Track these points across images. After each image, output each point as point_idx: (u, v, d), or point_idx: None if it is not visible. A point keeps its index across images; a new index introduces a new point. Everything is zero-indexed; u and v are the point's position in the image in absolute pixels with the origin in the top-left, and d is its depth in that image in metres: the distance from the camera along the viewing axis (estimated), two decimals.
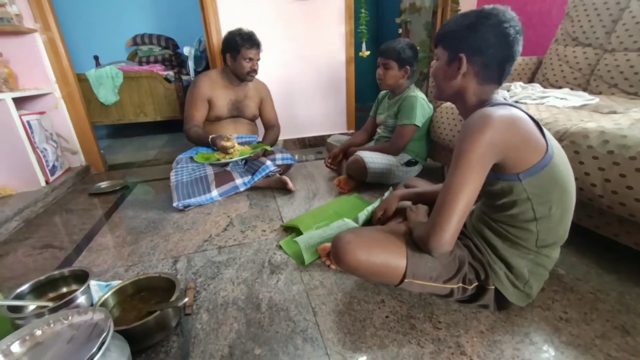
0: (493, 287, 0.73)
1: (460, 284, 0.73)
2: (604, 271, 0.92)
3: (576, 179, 0.90)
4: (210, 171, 1.53)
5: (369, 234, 0.78)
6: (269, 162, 1.57)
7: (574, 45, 1.56)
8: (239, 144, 1.68)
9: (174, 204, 1.38)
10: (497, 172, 0.66)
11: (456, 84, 0.73)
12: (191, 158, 1.60)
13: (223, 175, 1.53)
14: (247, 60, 1.63)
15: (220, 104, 1.70)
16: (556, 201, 0.67)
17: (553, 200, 0.66)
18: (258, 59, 1.68)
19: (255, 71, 1.68)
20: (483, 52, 0.68)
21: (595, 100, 1.22)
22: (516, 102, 1.33)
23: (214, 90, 1.68)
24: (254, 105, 1.82)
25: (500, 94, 1.49)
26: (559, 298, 0.83)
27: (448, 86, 0.74)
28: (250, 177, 1.56)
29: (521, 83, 1.52)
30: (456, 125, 1.45)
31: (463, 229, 0.81)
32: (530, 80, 1.73)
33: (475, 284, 0.74)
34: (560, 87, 1.51)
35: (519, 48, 0.69)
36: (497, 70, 0.70)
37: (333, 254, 0.77)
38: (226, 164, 1.62)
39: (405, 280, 0.72)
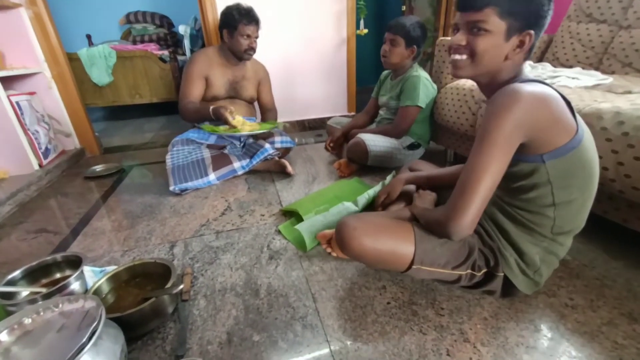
0: (502, 274, 0.71)
1: (469, 271, 0.71)
2: (610, 257, 0.90)
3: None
4: (207, 154, 1.49)
5: (375, 220, 0.75)
6: (267, 145, 1.52)
7: (588, 21, 1.48)
8: (239, 136, 1.63)
9: (171, 188, 1.34)
10: (521, 152, 0.61)
11: (507, 62, 0.64)
12: (187, 139, 1.54)
13: (220, 158, 1.49)
14: (245, 37, 1.54)
15: (217, 83, 1.63)
16: (579, 187, 0.63)
17: (576, 186, 0.63)
18: (256, 37, 1.59)
19: (253, 49, 1.60)
20: (543, 24, 0.62)
21: (608, 79, 1.17)
22: None
23: (211, 68, 1.61)
24: (252, 87, 1.76)
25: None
26: (564, 284, 0.81)
27: (496, 65, 0.65)
28: (248, 160, 1.51)
29: (530, 62, 1.45)
30: (461, 107, 1.39)
31: None
32: (540, 59, 1.65)
33: (484, 270, 0.71)
34: (571, 66, 1.44)
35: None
36: (535, 44, 0.64)
37: (338, 241, 0.74)
38: (224, 147, 1.58)
39: (414, 266, 0.69)
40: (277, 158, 1.54)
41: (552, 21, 1.97)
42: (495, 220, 0.73)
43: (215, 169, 1.45)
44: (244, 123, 1.52)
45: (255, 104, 1.88)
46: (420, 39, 1.41)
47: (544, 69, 1.34)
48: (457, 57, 0.66)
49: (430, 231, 0.71)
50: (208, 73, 1.60)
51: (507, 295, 0.75)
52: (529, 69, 1.40)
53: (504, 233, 0.71)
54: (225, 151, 1.55)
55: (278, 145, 1.62)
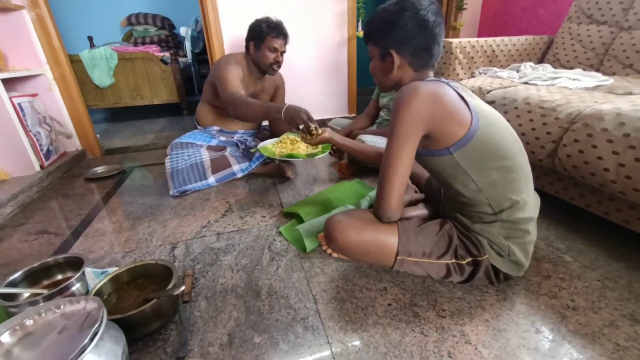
0: (486, 256, 0.74)
1: (454, 260, 0.75)
2: (612, 259, 0.90)
3: (587, 163, 0.87)
4: (206, 157, 1.48)
5: (361, 215, 0.81)
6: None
7: (588, 23, 1.48)
8: (246, 138, 1.60)
9: (170, 192, 1.35)
10: (429, 147, 0.70)
11: (394, 77, 0.76)
12: (186, 142, 1.53)
13: (220, 160, 1.49)
14: (272, 50, 1.50)
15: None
16: (494, 167, 0.68)
17: (490, 167, 0.68)
18: (283, 51, 1.55)
19: (278, 63, 1.55)
20: (409, 43, 0.72)
21: (609, 81, 1.17)
22: (526, 83, 1.28)
23: (242, 77, 1.54)
24: (267, 98, 1.74)
25: (507, 74, 1.44)
26: (565, 286, 0.81)
27: (387, 80, 0.78)
28: (247, 163, 1.51)
29: (531, 63, 1.45)
30: None
31: (443, 212, 0.86)
32: (540, 60, 1.66)
33: (469, 259, 0.75)
34: (571, 68, 1.45)
35: (442, 29, 0.73)
36: (426, 56, 0.73)
37: (325, 235, 0.81)
38: (223, 148, 1.58)
39: (398, 257, 0.74)
40: (277, 161, 1.54)
41: (553, 22, 1.99)
42: (454, 217, 0.80)
43: (214, 171, 1.45)
44: (295, 141, 1.33)
45: None
46: None
47: (545, 70, 1.34)
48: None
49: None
50: (241, 80, 1.54)
51: (507, 279, 0.80)
52: (530, 70, 1.40)
53: (465, 225, 0.77)
54: (225, 153, 1.55)
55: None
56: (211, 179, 1.43)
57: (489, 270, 0.75)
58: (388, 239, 0.75)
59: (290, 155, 1.24)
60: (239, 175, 1.50)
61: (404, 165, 0.68)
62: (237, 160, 1.52)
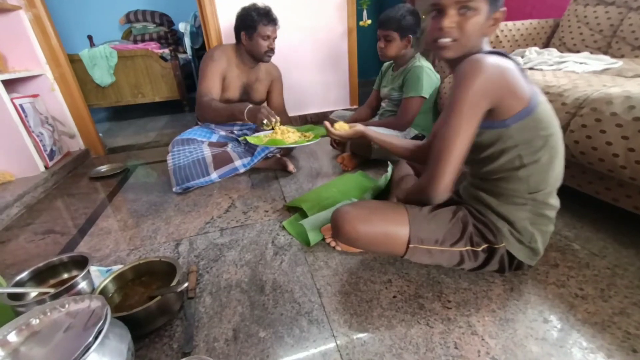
0: (503, 244, 0.72)
1: (469, 247, 0.73)
2: (621, 246, 0.88)
3: (596, 149, 0.85)
4: (208, 152, 1.48)
5: (368, 205, 0.80)
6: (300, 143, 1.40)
7: (595, 4, 1.44)
8: (245, 132, 1.60)
9: (174, 189, 1.35)
10: (486, 120, 0.66)
11: (481, 39, 0.69)
12: (188, 139, 1.53)
13: (222, 156, 1.48)
14: (265, 38, 1.50)
15: (233, 86, 1.58)
16: (542, 146, 0.67)
17: (539, 145, 0.66)
18: (275, 37, 1.55)
19: (272, 50, 1.55)
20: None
21: (618, 63, 1.13)
22: (531, 68, 1.24)
23: (230, 69, 1.56)
24: (264, 90, 1.73)
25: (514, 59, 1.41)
26: (574, 274, 0.79)
27: (478, 40, 0.68)
28: (249, 158, 1.51)
29: (536, 48, 1.42)
30: None
31: (458, 198, 0.83)
32: (546, 45, 1.62)
33: (484, 245, 0.73)
34: (578, 51, 1.41)
35: None
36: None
37: (333, 227, 0.78)
38: (225, 144, 1.57)
39: (410, 245, 0.72)
40: (278, 156, 1.53)
41: (558, 5, 1.93)
42: (478, 199, 0.76)
43: (216, 167, 1.44)
44: (287, 131, 1.33)
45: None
46: (414, 26, 1.37)
47: (550, 55, 1.30)
48: (447, 40, 0.67)
49: (415, 203, 0.76)
50: (226, 73, 1.56)
51: (517, 269, 0.78)
52: (535, 55, 1.37)
53: (490, 207, 0.74)
54: (227, 149, 1.54)
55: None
56: (214, 175, 1.43)
57: (504, 258, 0.74)
58: (398, 228, 0.73)
59: (273, 142, 1.28)
60: (241, 170, 1.49)
61: (463, 144, 0.65)
62: (238, 155, 1.51)
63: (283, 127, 1.33)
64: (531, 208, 0.71)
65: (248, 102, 1.59)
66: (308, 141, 1.27)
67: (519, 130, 0.65)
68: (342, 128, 1.03)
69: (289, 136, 1.31)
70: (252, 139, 1.32)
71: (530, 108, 0.64)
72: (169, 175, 1.42)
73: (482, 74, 0.61)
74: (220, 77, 1.54)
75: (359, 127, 1.00)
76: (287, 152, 1.68)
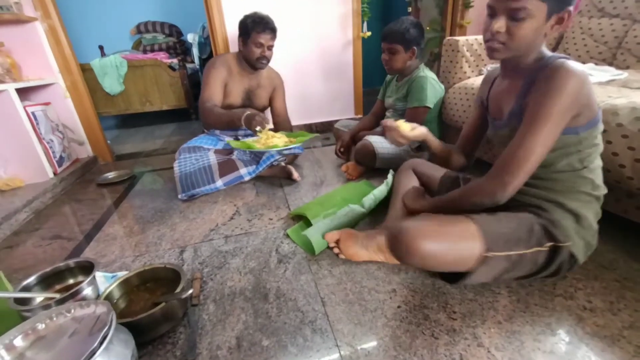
0: (569, 243, 0.70)
1: (535, 247, 0.70)
2: (631, 258, 0.86)
3: (603, 159, 0.84)
4: (214, 160, 1.50)
5: (428, 219, 0.73)
6: (273, 151, 1.50)
7: (600, 16, 1.44)
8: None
9: (179, 196, 1.36)
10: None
11: (541, 40, 0.67)
12: (194, 147, 1.55)
13: (227, 164, 1.50)
14: (258, 45, 1.55)
15: (234, 91, 1.63)
16: (598, 153, 0.71)
17: (597, 152, 0.70)
18: (270, 45, 1.59)
19: (265, 58, 1.59)
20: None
21: (623, 74, 1.13)
22: None
23: (231, 76, 1.62)
24: (266, 95, 1.76)
25: None
26: (582, 286, 0.78)
27: (533, 44, 0.67)
28: (254, 166, 1.52)
29: None
30: (470, 107, 1.37)
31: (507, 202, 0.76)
32: None
33: (550, 244, 0.71)
34: (583, 63, 1.41)
35: None
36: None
37: (392, 246, 0.72)
38: (231, 152, 1.59)
39: (489, 254, 0.68)
40: (283, 164, 1.54)
41: None
42: (539, 197, 0.75)
43: (222, 175, 1.46)
44: (272, 136, 1.42)
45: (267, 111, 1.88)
46: (418, 38, 1.39)
47: None
48: (496, 44, 0.67)
49: (463, 206, 0.74)
50: (228, 80, 1.61)
51: (568, 270, 0.75)
52: None
53: (557, 203, 0.73)
54: (233, 156, 1.56)
55: (286, 152, 1.62)
56: (219, 182, 1.44)
57: (565, 258, 0.71)
58: (469, 241, 0.68)
59: (246, 145, 1.39)
60: (247, 178, 1.50)
61: (543, 152, 0.64)
62: (244, 163, 1.53)
63: (269, 133, 1.42)
64: (595, 205, 0.73)
65: (251, 107, 1.66)
66: (284, 147, 1.38)
67: (586, 138, 0.67)
68: (404, 128, 0.91)
69: (272, 141, 1.40)
70: (232, 143, 1.45)
71: (598, 117, 0.67)
72: (174, 182, 1.44)
73: (573, 83, 0.60)
74: (221, 84, 1.59)
75: (423, 129, 0.93)
76: (292, 160, 1.70)
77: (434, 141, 0.96)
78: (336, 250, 0.94)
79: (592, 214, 0.73)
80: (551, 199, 0.73)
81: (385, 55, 1.44)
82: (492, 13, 0.66)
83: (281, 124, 1.81)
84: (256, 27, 1.52)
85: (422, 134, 0.94)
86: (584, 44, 1.46)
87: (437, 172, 1.04)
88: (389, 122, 0.93)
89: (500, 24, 0.64)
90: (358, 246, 0.90)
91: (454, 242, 0.68)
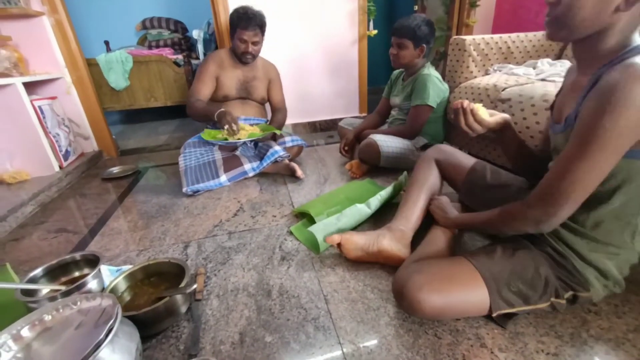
0: (589, 293, 0.65)
1: (553, 299, 0.65)
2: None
3: None
4: (218, 155, 1.50)
5: (435, 266, 0.69)
6: (277, 147, 1.52)
7: None
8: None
9: (184, 190, 1.37)
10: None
11: (616, 17, 0.51)
12: (199, 141, 1.57)
13: (232, 160, 1.51)
14: (242, 40, 1.57)
15: (228, 83, 1.65)
16: None
17: None
18: (255, 41, 1.59)
19: (250, 54, 1.61)
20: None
21: None
22: (543, 80, 1.24)
23: (223, 69, 1.64)
24: (263, 87, 1.77)
25: (523, 71, 1.37)
26: None
27: (597, 20, 0.52)
28: (259, 162, 1.53)
29: (549, 60, 1.41)
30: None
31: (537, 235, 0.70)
32: (558, 57, 1.61)
33: (569, 294, 0.66)
34: None
35: None
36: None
37: (397, 294, 0.67)
38: (235, 148, 1.59)
39: (494, 315, 0.65)
40: (287, 161, 1.55)
41: None
42: (562, 239, 0.67)
43: (226, 170, 1.47)
44: (241, 128, 1.52)
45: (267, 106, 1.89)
46: (428, 36, 1.39)
47: (563, 66, 1.30)
48: (548, 18, 0.56)
49: (497, 227, 0.69)
50: (219, 73, 1.63)
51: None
52: (547, 66, 1.36)
53: (577, 253, 0.65)
54: (237, 152, 1.57)
55: (289, 145, 1.63)
56: (223, 178, 1.44)
57: (586, 302, 0.67)
58: (479, 293, 0.63)
59: (212, 137, 1.53)
60: (251, 174, 1.51)
61: (597, 180, 0.53)
62: (248, 159, 1.53)
63: (249, 129, 1.56)
64: (625, 256, 0.63)
65: (249, 99, 1.73)
66: (258, 136, 1.52)
67: None
68: (482, 113, 0.76)
69: (242, 133, 1.51)
70: (206, 135, 1.54)
71: None
72: (178, 178, 1.44)
73: None
74: (211, 79, 1.63)
75: (505, 116, 0.78)
76: (296, 154, 1.71)
77: (514, 132, 0.79)
78: (338, 249, 0.93)
79: (616, 266, 0.64)
80: (574, 246, 0.65)
81: (394, 50, 1.43)
82: None
83: (278, 114, 1.83)
84: (240, 22, 1.54)
85: (503, 120, 0.77)
86: None
87: (466, 161, 0.94)
88: (465, 102, 0.76)
89: None
90: (359, 251, 0.87)
91: (462, 296, 0.64)
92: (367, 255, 0.87)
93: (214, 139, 1.52)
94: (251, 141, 1.61)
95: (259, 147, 1.62)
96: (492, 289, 0.64)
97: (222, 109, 1.50)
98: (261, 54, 1.72)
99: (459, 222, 0.84)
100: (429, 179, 0.96)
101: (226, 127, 1.45)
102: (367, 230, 0.92)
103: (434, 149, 1.01)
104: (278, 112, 1.85)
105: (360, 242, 0.87)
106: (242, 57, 1.62)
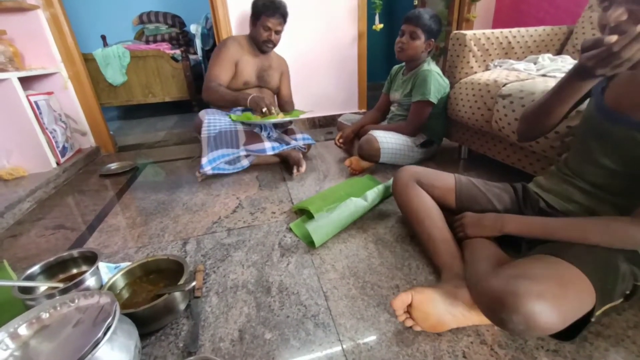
0: None
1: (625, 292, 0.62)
2: None
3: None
4: (240, 128, 1.50)
5: (544, 270, 0.57)
6: (300, 135, 1.63)
7: None
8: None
9: (202, 163, 1.38)
10: None
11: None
12: (218, 111, 1.54)
13: (253, 135, 1.52)
14: (266, 28, 1.57)
15: (247, 69, 1.64)
16: None
17: None
18: (278, 30, 1.61)
19: (272, 42, 1.62)
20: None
21: None
22: (544, 75, 1.23)
23: (242, 55, 1.62)
24: (277, 77, 1.78)
25: (524, 66, 1.36)
26: None
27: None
28: (279, 144, 1.55)
29: (549, 55, 1.40)
30: (476, 102, 1.36)
31: None
32: (559, 52, 1.60)
33: (632, 283, 0.63)
34: None
35: None
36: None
37: (504, 312, 0.51)
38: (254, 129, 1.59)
39: (597, 313, 0.57)
40: (301, 154, 1.58)
41: (572, 12, 1.90)
42: None
43: (247, 143, 1.48)
44: (269, 114, 1.54)
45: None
46: (437, 33, 1.39)
47: (564, 62, 1.29)
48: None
49: (587, 242, 0.61)
50: (239, 59, 1.62)
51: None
52: (548, 61, 1.35)
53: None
54: (257, 131, 1.58)
55: (301, 143, 1.64)
56: (242, 149, 1.47)
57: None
58: (587, 295, 0.55)
59: (247, 117, 1.52)
60: (269, 153, 1.51)
61: None
62: (268, 140, 1.54)
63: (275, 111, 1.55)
64: None
65: (265, 87, 1.72)
66: (287, 118, 1.52)
67: None
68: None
69: (270, 117, 1.50)
70: (233, 117, 1.52)
71: None
72: (177, 174, 1.43)
73: None
74: (231, 64, 1.60)
75: None
76: (304, 153, 1.71)
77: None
78: (409, 323, 0.66)
79: None
80: None
81: (404, 39, 1.40)
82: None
83: (286, 106, 1.85)
84: (267, 10, 1.53)
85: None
86: None
87: (447, 180, 0.91)
88: None
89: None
90: (440, 312, 0.64)
91: (577, 305, 0.55)
92: (453, 317, 0.65)
93: (248, 119, 1.51)
94: (276, 128, 1.64)
95: (280, 136, 1.64)
96: (597, 289, 0.56)
97: (254, 94, 1.52)
98: None
99: (526, 229, 0.71)
100: (427, 202, 0.89)
101: (264, 109, 1.47)
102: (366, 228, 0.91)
103: (408, 174, 0.94)
104: (286, 105, 1.85)
105: (438, 295, 0.66)
106: (263, 45, 1.61)
